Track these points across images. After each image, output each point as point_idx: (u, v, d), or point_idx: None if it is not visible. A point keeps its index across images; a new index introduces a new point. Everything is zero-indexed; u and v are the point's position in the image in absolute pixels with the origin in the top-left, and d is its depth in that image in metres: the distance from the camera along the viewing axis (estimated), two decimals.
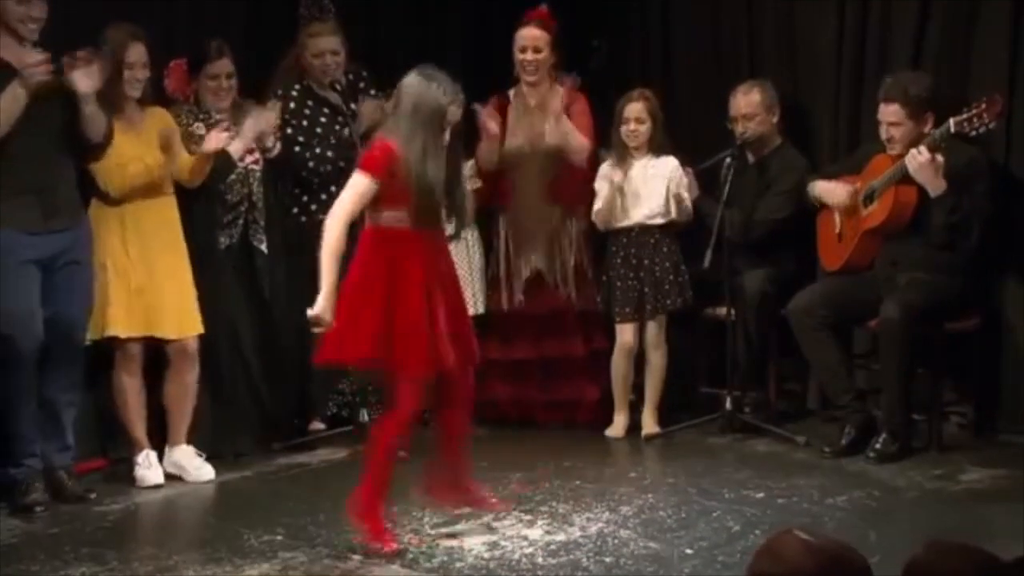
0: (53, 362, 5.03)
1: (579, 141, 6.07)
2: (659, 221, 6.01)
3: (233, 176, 5.61)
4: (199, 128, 5.57)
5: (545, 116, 6.11)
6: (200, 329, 5.46)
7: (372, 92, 6.05)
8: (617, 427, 6.07)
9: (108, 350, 5.33)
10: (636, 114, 5.98)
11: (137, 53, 5.28)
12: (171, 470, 5.44)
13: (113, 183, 5.26)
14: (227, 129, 5.50)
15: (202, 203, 5.58)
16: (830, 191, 5.82)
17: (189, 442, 5.51)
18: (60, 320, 5.01)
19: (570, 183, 6.13)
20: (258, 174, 5.73)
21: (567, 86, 6.06)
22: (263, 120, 5.58)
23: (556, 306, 6.16)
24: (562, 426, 6.21)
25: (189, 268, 5.46)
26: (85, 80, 4.90)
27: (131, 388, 5.37)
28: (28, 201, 4.92)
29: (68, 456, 5.17)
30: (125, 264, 5.29)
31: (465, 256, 6.16)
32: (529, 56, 6.09)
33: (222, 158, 5.47)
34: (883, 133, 5.58)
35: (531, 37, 6.09)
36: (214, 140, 5.42)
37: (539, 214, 6.16)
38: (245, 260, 5.75)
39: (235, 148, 5.51)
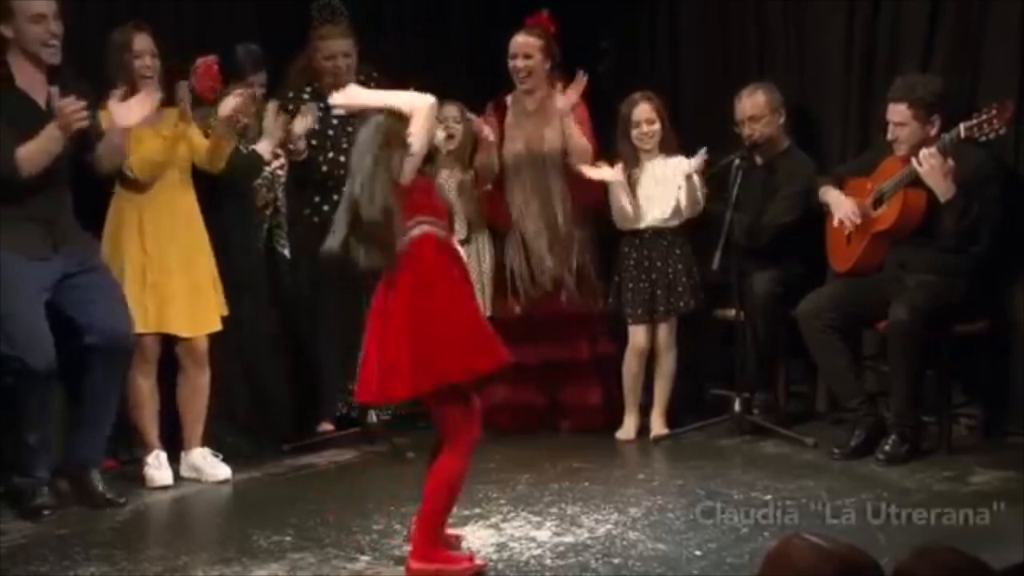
0: (98, 368, 5.00)
1: (582, 142, 6.05)
2: (673, 223, 6.01)
3: (260, 181, 5.62)
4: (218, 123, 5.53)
5: (543, 121, 6.09)
6: (216, 326, 5.43)
7: None
8: (627, 429, 6.06)
9: None
10: (646, 115, 5.98)
11: (142, 41, 5.25)
12: (188, 474, 5.44)
13: (132, 164, 5.21)
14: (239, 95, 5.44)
15: (236, 203, 5.59)
16: (838, 203, 5.80)
17: (202, 443, 5.51)
18: (103, 327, 4.97)
19: (584, 182, 6.10)
20: (283, 179, 5.74)
21: (576, 85, 5.99)
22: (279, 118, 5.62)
23: (561, 311, 6.14)
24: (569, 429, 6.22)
25: (210, 264, 5.43)
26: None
27: (145, 390, 5.36)
28: (35, 229, 4.90)
29: (100, 461, 5.19)
30: (142, 259, 5.28)
31: (475, 260, 6.14)
32: (520, 63, 6.07)
33: (251, 158, 5.50)
34: (890, 133, 5.58)
35: (521, 44, 6.07)
36: (227, 105, 5.35)
37: (543, 218, 6.13)
38: (266, 264, 5.75)
39: (263, 147, 5.54)
